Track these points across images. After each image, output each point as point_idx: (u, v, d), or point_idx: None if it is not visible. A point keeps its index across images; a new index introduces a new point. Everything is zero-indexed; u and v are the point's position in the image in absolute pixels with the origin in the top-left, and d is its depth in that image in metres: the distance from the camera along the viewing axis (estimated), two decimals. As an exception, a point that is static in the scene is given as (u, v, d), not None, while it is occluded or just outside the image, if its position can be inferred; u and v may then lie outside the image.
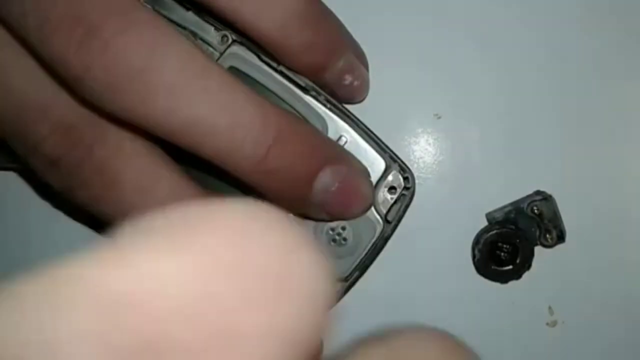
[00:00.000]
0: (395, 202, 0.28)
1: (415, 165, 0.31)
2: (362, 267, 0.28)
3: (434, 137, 0.31)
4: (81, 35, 0.21)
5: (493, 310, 0.31)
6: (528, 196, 0.30)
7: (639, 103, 0.31)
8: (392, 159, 0.28)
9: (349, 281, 0.29)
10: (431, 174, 0.31)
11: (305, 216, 0.28)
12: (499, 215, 0.31)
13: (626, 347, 0.31)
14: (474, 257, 0.31)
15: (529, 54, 0.31)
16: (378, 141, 0.28)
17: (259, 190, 0.25)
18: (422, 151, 0.31)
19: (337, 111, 0.28)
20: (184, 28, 0.27)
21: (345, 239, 0.28)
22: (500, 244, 0.30)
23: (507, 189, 0.31)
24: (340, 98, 0.28)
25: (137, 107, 0.21)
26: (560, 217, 0.30)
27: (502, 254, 0.30)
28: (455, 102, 0.31)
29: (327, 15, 0.27)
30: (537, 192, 0.30)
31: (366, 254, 0.28)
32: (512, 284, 0.31)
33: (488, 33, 0.31)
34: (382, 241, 0.28)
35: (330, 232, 0.28)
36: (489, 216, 0.31)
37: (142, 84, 0.21)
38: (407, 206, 0.28)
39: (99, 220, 0.25)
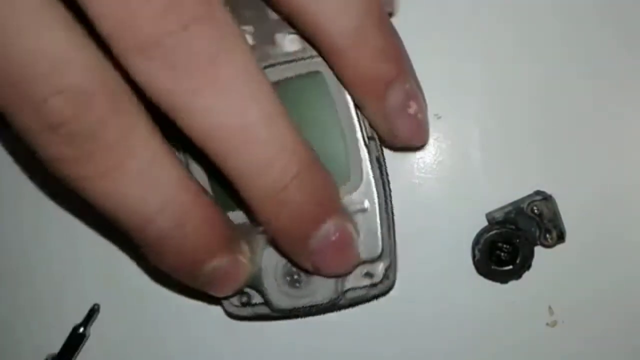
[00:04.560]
0: (361, 287, 0.27)
1: (415, 165, 0.31)
2: (306, 315, 0.28)
3: (434, 137, 0.31)
4: (162, 6, 0.19)
5: (493, 310, 0.31)
6: (528, 196, 0.30)
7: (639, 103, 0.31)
8: (390, 252, 0.27)
9: (291, 314, 0.28)
10: (431, 174, 0.31)
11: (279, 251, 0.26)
12: (499, 215, 0.31)
13: (626, 347, 0.31)
14: (474, 257, 0.31)
15: (529, 54, 0.30)
16: (391, 228, 0.27)
17: (262, 220, 0.23)
18: (422, 151, 0.31)
19: (378, 175, 0.27)
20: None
21: (299, 283, 0.27)
22: (500, 244, 0.30)
23: (507, 189, 0.31)
24: (399, 134, 0.25)
25: (182, 96, 0.20)
26: (560, 217, 0.30)
27: (502, 254, 0.30)
28: (455, 102, 0.31)
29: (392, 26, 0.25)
30: (537, 192, 0.30)
31: (311, 311, 0.28)
32: (512, 284, 0.31)
33: (488, 33, 0.31)
34: (330, 307, 0.28)
35: (289, 268, 0.27)
36: (489, 216, 0.31)
37: (197, 76, 0.20)
38: (368, 299, 0.28)
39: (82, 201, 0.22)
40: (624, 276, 0.31)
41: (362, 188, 0.27)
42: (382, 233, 0.27)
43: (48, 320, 0.32)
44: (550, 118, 0.31)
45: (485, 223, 0.31)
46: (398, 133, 0.25)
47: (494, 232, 0.30)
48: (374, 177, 0.27)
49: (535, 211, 0.30)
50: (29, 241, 0.33)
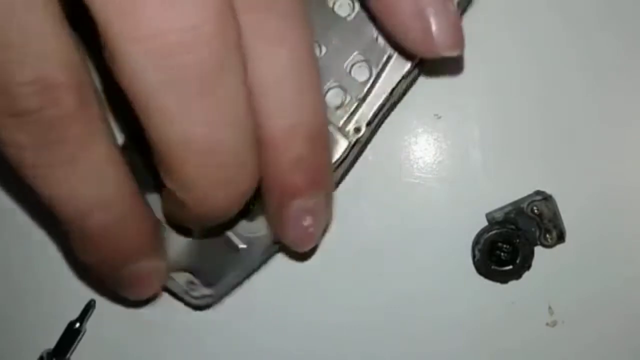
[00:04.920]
0: (177, 284, 0.28)
1: (415, 165, 0.31)
2: None
3: (434, 137, 0.31)
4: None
5: (493, 310, 0.31)
6: (528, 196, 0.31)
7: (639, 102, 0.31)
8: (221, 291, 0.29)
9: None
10: (431, 174, 0.31)
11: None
12: (499, 215, 0.31)
13: (626, 347, 0.31)
14: (474, 257, 0.31)
15: (529, 53, 0.31)
16: (242, 279, 0.29)
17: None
18: (422, 151, 0.31)
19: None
20: None
21: None
22: (500, 244, 0.30)
23: (507, 189, 0.31)
24: (285, 238, 0.26)
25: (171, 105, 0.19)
26: (560, 217, 0.30)
27: (502, 254, 0.30)
28: (455, 102, 0.31)
29: (329, 141, 0.25)
30: (537, 192, 0.30)
31: None
32: (512, 284, 0.31)
33: (487, 33, 0.31)
34: None
35: None
36: (489, 216, 0.31)
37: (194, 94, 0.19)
38: (176, 297, 0.29)
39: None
40: (624, 276, 0.31)
41: (261, 231, 0.28)
42: (231, 276, 0.28)
43: (44, 315, 0.32)
44: (550, 118, 0.31)
45: (485, 223, 0.31)
46: (284, 236, 0.25)
47: (494, 232, 0.30)
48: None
49: (535, 211, 0.30)
50: (24, 236, 0.32)
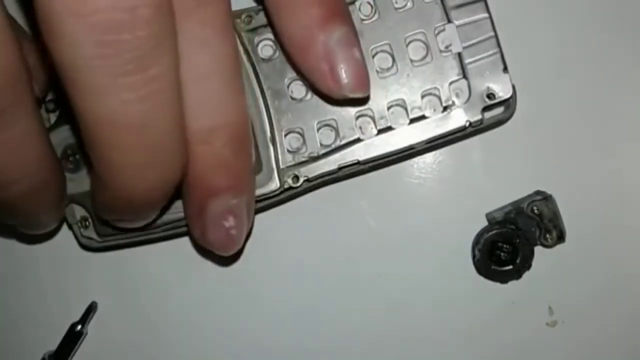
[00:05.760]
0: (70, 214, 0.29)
1: (415, 166, 0.31)
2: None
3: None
4: None
5: (493, 310, 0.31)
6: (528, 196, 0.30)
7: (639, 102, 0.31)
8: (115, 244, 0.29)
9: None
10: (431, 174, 0.31)
11: None
12: (499, 215, 0.31)
13: (626, 347, 0.31)
14: (474, 257, 0.31)
15: (528, 53, 0.31)
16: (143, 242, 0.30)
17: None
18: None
19: None
20: None
21: None
22: (500, 244, 0.30)
23: (507, 189, 0.31)
24: (207, 241, 0.25)
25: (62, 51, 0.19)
26: (560, 217, 0.30)
27: (502, 254, 0.30)
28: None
29: (251, 144, 0.25)
30: (537, 192, 0.30)
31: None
32: (512, 284, 0.31)
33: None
34: None
35: None
36: (489, 216, 0.31)
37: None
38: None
39: None
40: (624, 276, 0.31)
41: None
42: (122, 237, 0.29)
43: (46, 318, 0.32)
44: (550, 118, 0.31)
45: (485, 223, 0.31)
46: (206, 239, 0.25)
47: (494, 232, 0.30)
48: None
49: (535, 211, 0.30)
50: (27, 239, 0.32)
